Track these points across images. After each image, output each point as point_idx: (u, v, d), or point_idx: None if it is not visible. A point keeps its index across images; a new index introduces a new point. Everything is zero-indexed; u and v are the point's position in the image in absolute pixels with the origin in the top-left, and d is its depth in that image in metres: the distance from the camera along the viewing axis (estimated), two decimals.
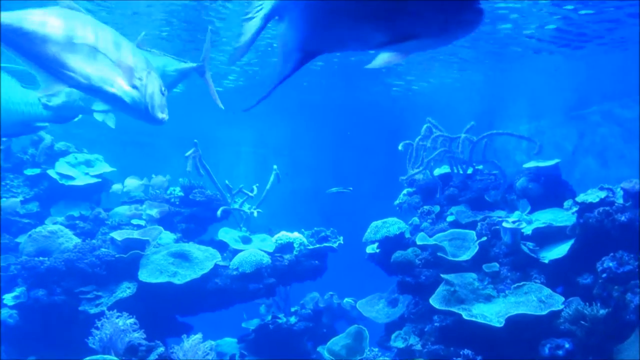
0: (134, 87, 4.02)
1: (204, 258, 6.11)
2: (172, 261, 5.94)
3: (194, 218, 7.25)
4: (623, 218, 4.85)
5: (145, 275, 5.70)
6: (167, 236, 6.60)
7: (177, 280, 5.70)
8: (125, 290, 5.64)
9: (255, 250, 6.52)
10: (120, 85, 3.94)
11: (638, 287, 4.53)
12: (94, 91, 3.94)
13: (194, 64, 5.43)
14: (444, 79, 14.09)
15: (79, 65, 3.74)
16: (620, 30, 9.75)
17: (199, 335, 4.55)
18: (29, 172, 7.19)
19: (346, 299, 7.68)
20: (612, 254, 4.76)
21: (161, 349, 4.41)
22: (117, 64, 3.89)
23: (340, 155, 21.32)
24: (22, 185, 7.17)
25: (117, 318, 4.35)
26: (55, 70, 3.69)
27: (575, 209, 5.42)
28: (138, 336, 4.38)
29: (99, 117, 5.03)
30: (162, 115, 4.21)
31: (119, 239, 5.95)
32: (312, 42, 1.96)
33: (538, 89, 13.36)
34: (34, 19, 3.62)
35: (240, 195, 7.37)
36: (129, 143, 21.39)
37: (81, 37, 3.75)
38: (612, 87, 12.59)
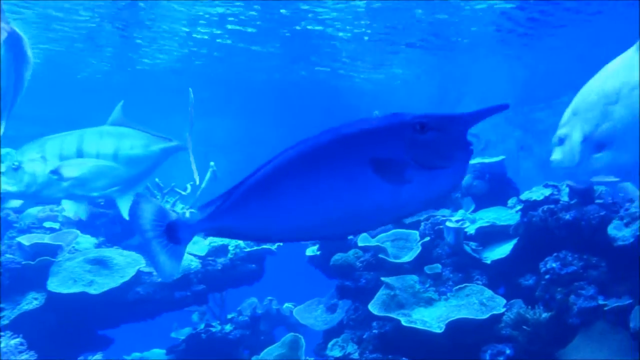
0: None
1: (126, 264, 5.57)
2: (89, 268, 5.38)
3: (121, 220, 6.66)
4: (568, 217, 4.60)
5: (56, 285, 5.12)
6: (87, 240, 6.02)
7: (94, 290, 5.15)
8: (32, 301, 5.05)
9: None
10: None
11: (582, 289, 4.30)
12: None
13: (178, 142, 5.13)
14: (391, 70, 13.81)
15: None
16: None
17: (98, 356, 4.04)
18: None
19: (286, 304, 7.27)
20: (555, 254, 4.53)
21: None
22: None
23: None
24: None
25: None
26: None
27: (519, 207, 5.18)
28: (27, 358, 3.84)
29: None
30: None
31: (26, 244, 5.33)
32: None
33: (487, 83, 13.27)
34: None
35: (172, 194, 6.86)
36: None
37: None
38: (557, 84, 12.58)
